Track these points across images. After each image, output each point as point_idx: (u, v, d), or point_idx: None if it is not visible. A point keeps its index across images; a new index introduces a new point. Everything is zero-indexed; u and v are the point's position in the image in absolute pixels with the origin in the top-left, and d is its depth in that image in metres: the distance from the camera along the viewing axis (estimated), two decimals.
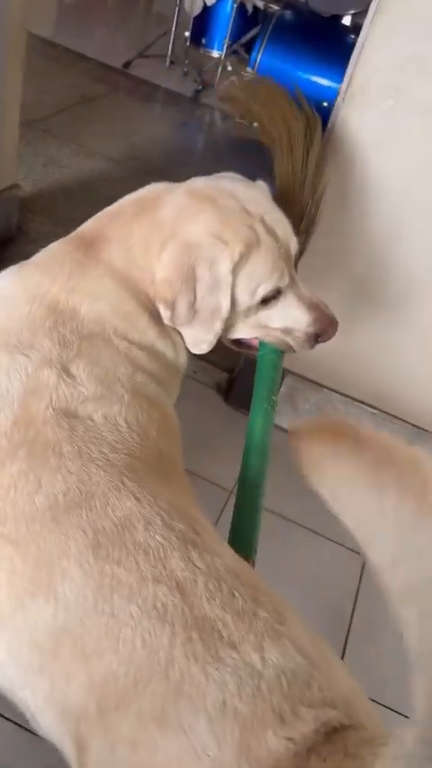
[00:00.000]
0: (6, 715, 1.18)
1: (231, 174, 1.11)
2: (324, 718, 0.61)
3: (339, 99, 1.52)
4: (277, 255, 1.04)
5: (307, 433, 0.62)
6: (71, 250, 0.97)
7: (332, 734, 0.61)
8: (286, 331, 1.11)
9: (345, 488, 0.57)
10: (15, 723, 1.16)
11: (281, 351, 1.16)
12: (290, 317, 1.09)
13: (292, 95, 1.55)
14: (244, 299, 1.03)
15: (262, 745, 0.60)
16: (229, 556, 0.76)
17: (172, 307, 0.98)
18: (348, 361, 1.81)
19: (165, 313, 0.99)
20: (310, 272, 1.70)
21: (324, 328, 1.11)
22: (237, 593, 0.70)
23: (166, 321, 1.00)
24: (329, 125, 1.55)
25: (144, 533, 0.73)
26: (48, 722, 0.72)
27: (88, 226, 1.03)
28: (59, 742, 0.72)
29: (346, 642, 1.52)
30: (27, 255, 2.61)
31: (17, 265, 0.99)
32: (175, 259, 0.97)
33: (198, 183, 1.06)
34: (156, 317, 1.00)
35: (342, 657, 1.49)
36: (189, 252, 0.97)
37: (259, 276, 1.03)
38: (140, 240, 0.99)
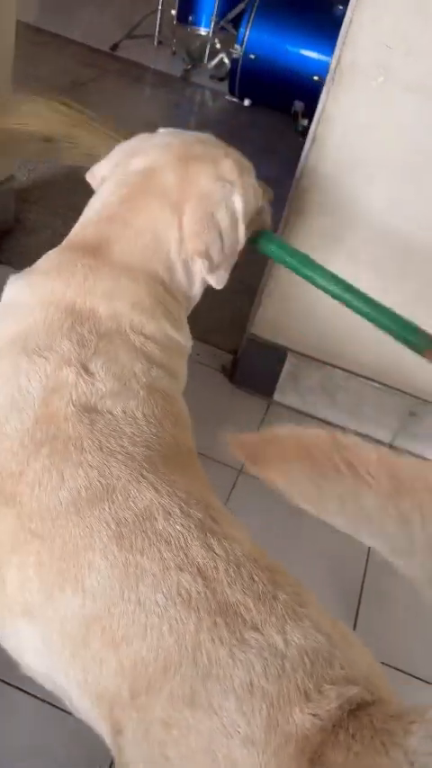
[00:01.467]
0: (45, 698, 1.23)
1: (163, 131, 1.18)
2: (347, 694, 0.65)
3: (329, 77, 1.53)
4: (252, 170, 1.16)
5: (277, 461, 0.60)
6: (80, 256, 0.98)
7: (356, 710, 0.64)
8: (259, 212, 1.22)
9: (358, 520, 0.57)
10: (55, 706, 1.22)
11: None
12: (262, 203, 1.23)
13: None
14: (246, 221, 1.12)
15: (289, 721, 0.63)
16: (247, 541, 0.79)
17: (208, 256, 1.04)
18: (349, 338, 1.84)
19: (204, 264, 1.05)
20: (305, 251, 1.73)
21: (270, 193, 1.27)
22: (256, 578, 0.73)
23: (205, 272, 1.06)
24: (320, 103, 1.56)
25: (164, 523, 0.75)
26: (83, 707, 0.75)
27: (87, 232, 1.03)
28: (96, 725, 0.75)
29: (357, 612, 1.57)
30: (25, 246, 2.61)
31: (22, 274, 1.00)
32: (197, 212, 1.03)
33: (159, 153, 1.08)
34: (170, 304, 1.03)
35: (354, 627, 1.54)
36: (204, 202, 1.04)
37: (253, 196, 1.14)
38: (149, 231, 1.02)
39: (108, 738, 0.74)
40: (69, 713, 0.79)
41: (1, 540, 0.78)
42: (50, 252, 1.03)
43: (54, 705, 1.20)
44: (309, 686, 0.65)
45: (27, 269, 1.01)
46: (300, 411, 2.02)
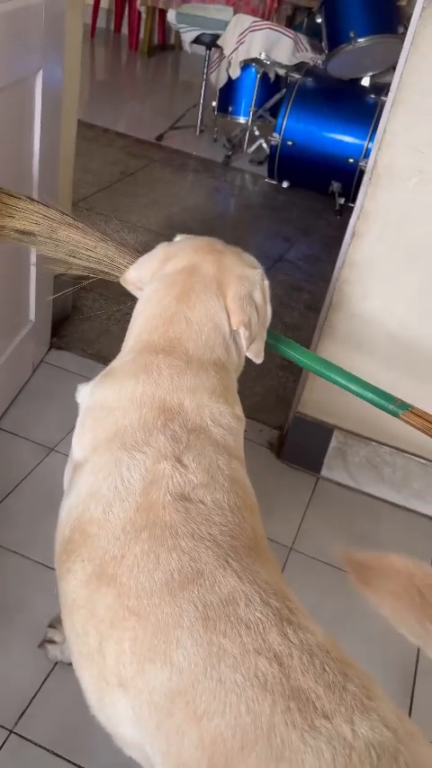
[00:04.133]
0: None
1: (180, 237, 1.31)
2: None
3: (366, 177, 1.66)
4: None
5: (388, 595, 0.66)
6: (161, 358, 1.07)
7: None
8: None
9: None
10: None
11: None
12: None
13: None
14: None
15: None
16: (320, 633, 0.83)
17: (249, 326, 1.15)
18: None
19: (245, 333, 1.15)
20: (350, 336, 1.82)
21: None
22: (327, 668, 0.77)
23: (245, 342, 1.15)
24: (359, 201, 1.68)
25: (245, 609, 0.81)
26: None
27: (157, 335, 1.11)
28: None
29: (413, 693, 1.58)
30: (82, 331, 2.75)
31: (105, 378, 1.08)
32: (239, 291, 1.15)
33: (192, 253, 1.20)
34: (232, 385, 1.13)
35: (410, 707, 1.55)
36: (243, 283, 1.16)
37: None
38: (208, 321, 1.12)
39: None
40: None
41: (102, 617, 0.85)
42: (127, 355, 1.11)
43: None
44: None
45: (106, 372, 1.10)
46: (347, 486, 2.07)
